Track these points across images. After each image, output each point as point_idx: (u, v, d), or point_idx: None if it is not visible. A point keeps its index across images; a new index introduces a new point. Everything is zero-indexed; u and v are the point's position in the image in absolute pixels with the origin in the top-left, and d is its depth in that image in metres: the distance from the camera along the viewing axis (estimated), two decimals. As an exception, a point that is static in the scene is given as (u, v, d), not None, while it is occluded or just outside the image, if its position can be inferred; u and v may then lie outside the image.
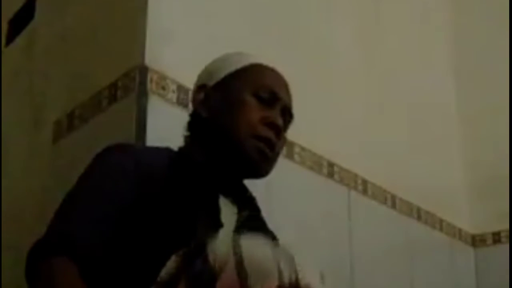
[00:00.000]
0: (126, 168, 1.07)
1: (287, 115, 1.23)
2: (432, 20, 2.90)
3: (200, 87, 1.25)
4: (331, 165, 2.04)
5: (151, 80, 1.53)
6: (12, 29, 2.40)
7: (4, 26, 2.44)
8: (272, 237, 1.22)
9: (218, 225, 1.05)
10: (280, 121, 1.18)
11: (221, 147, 1.17)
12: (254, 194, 1.27)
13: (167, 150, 1.20)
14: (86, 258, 0.94)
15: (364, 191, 2.16)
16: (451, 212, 2.67)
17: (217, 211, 1.08)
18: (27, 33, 2.24)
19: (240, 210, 1.16)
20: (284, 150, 1.85)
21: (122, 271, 0.97)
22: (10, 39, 2.38)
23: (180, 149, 1.22)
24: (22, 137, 2.03)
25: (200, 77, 1.28)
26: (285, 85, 1.25)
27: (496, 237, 2.71)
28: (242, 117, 1.16)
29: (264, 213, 1.26)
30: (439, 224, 2.56)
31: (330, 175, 2.03)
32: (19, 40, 2.31)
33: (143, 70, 1.52)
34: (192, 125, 1.24)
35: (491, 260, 2.69)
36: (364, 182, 2.17)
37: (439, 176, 2.63)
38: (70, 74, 1.86)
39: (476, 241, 2.76)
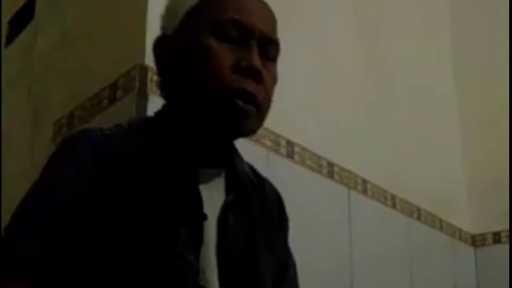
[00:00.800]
0: (80, 162, 0.90)
1: (271, 45, 0.95)
2: (432, 20, 2.90)
3: (159, 40, 0.99)
4: (331, 165, 2.04)
5: (151, 80, 1.52)
6: (12, 29, 2.40)
7: (4, 26, 2.44)
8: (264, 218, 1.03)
9: (201, 217, 0.90)
10: (256, 61, 0.90)
11: (187, 111, 0.93)
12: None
13: (142, 122, 1.01)
14: (39, 276, 0.84)
15: (364, 191, 2.16)
16: (451, 212, 2.67)
17: (198, 201, 0.90)
18: (27, 33, 2.24)
19: (228, 188, 0.97)
20: (284, 150, 1.86)
21: (87, 279, 0.86)
22: (10, 39, 2.38)
23: (156, 114, 1.00)
24: (22, 137, 2.03)
25: (161, 25, 1.01)
26: (259, 8, 0.95)
27: (496, 237, 2.71)
28: (206, 69, 0.90)
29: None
30: (439, 224, 2.56)
31: (330, 175, 2.03)
32: (19, 40, 2.31)
33: (143, 70, 1.52)
34: (161, 88, 1.00)
35: (491, 260, 2.69)
36: (364, 182, 2.17)
37: (439, 176, 2.63)
38: (70, 74, 1.86)
39: (476, 241, 2.76)
